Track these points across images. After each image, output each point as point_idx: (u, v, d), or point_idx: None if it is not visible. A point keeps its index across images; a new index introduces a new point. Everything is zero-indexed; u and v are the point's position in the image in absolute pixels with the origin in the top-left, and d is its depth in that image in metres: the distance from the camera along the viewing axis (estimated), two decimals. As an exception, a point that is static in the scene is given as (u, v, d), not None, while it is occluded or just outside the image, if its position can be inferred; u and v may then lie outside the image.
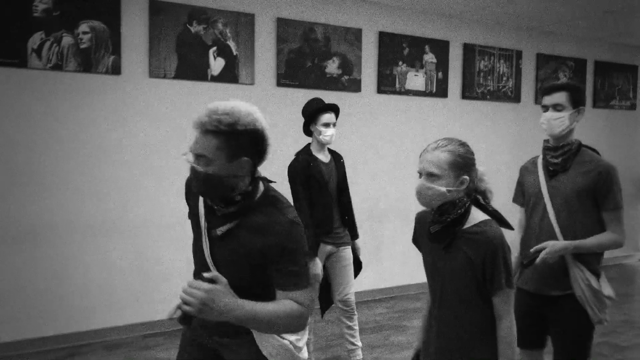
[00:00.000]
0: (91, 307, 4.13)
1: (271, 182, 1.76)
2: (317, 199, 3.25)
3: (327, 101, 5.10)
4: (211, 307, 1.46)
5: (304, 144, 5.02)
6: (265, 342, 1.68)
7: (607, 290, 2.41)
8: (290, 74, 4.87)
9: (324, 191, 3.26)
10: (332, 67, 5.07)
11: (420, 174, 1.91)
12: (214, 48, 4.51)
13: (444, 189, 1.82)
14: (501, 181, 6.21)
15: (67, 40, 3.97)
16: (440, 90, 5.70)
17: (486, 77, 6.01)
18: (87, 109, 4.09)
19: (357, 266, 3.51)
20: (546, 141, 2.53)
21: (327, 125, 3.28)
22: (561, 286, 2.38)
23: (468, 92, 5.89)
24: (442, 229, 1.87)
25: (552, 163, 2.46)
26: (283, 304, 1.58)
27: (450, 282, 1.87)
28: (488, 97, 6.04)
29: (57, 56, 3.95)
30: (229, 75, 4.58)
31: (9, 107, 3.85)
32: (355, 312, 3.45)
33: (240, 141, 1.59)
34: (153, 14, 4.23)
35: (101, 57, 4.09)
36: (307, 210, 3.21)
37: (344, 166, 3.47)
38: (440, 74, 5.69)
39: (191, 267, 1.82)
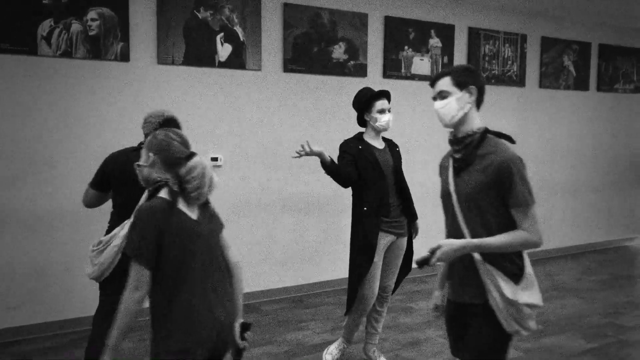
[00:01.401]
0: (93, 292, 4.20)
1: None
2: (372, 183, 3.23)
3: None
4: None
5: (313, 129, 5.05)
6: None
7: (527, 297, 2.03)
8: (297, 59, 4.88)
9: (378, 175, 3.23)
10: (339, 52, 5.08)
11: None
12: (221, 34, 4.53)
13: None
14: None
15: (76, 27, 3.99)
16: (446, 75, 5.71)
17: (491, 61, 6.02)
18: (97, 95, 4.12)
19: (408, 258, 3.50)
20: (450, 134, 2.20)
21: (382, 111, 3.25)
22: (478, 294, 2.05)
23: (473, 77, 5.90)
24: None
25: (455, 159, 2.15)
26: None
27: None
28: (493, 81, 6.06)
29: (67, 43, 3.97)
30: (237, 61, 4.60)
31: (20, 95, 3.88)
32: (389, 300, 3.51)
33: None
34: (161, 0, 4.24)
35: (110, 44, 4.11)
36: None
37: (400, 154, 3.43)
38: (445, 59, 5.70)
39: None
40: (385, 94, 3.31)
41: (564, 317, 4.52)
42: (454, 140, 2.13)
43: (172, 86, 4.38)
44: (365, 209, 3.25)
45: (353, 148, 3.25)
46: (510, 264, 2.05)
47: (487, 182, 2.03)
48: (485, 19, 5.96)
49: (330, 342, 3.90)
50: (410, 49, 5.48)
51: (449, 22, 5.71)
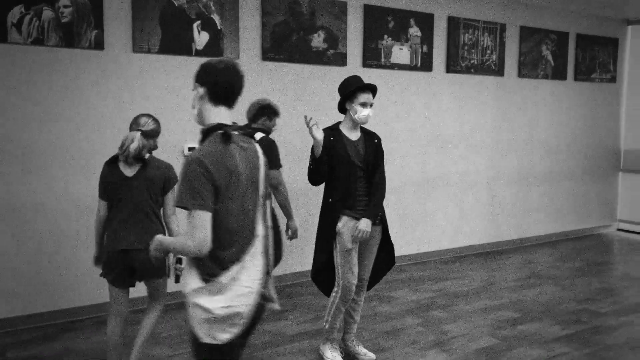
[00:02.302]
0: (82, 283, 4.15)
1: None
2: (339, 174, 3.25)
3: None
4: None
5: (293, 118, 5.01)
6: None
7: (203, 300, 1.88)
8: (276, 48, 4.83)
9: (344, 166, 3.24)
10: (318, 40, 5.05)
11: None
12: (198, 22, 4.45)
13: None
14: (484, 155, 6.32)
15: (47, 14, 3.89)
16: (425, 64, 5.72)
17: (470, 51, 6.03)
18: (70, 85, 4.03)
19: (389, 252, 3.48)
20: None
21: (364, 104, 3.24)
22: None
23: (452, 66, 5.91)
24: None
25: None
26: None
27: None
28: (472, 70, 6.08)
29: (38, 30, 3.87)
30: (214, 50, 4.54)
31: (-10, 83, 3.78)
32: (365, 289, 3.50)
33: None
34: (135, -14, 4.16)
35: (83, 31, 4.02)
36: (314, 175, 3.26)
37: (377, 146, 3.38)
38: (425, 48, 5.70)
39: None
40: (372, 88, 3.30)
41: (541, 304, 4.59)
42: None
43: (148, 75, 4.30)
44: (330, 200, 3.26)
45: (325, 139, 3.23)
46: (206, 267, 1.88)
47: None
48: (464, 8, 5.97)
49: (309, 332, 3.91)
50: (390, 38, 5.46)
51: (429, 11, 5.70)
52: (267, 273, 2.06)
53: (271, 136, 3.68)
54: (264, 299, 2.04)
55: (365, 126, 3.46)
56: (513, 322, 4.16)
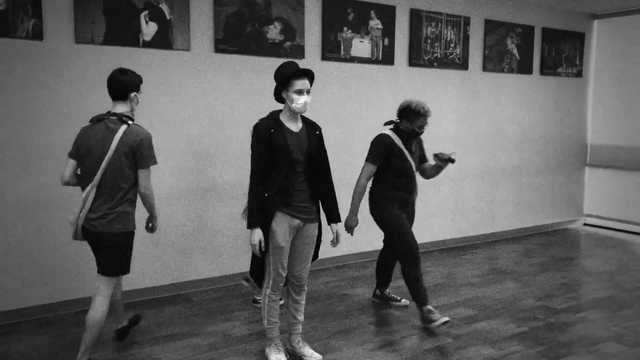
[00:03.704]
0: (23, 285, 3.97)
1: None
2: (280, 168, 3.10)
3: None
4: None
5: (247, 113, 4.88)
6: None
7: None
8: (229, 39, 4.69)
9: (285, 160, 3.09)
10: (274, 32, 4.91)
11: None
12: (146, 12, 4.29)
13: None
14: (449, 150, 6.23)
15: (-20, 1, 3.69)
16: (387, 57, 5.61)
17: (433, 44, 5.94)
18: (7, 77, 3.84)
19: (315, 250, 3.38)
20: None
21: (300, 92, 3.07)
22: None
23: (415, 59, 5.82)
24: None
25: None
26: None
27: None
28: (435, 64, 5.99)
29: (-30, 19, 3.67)
30: (163, 41, 4.38)
31: None
32: (305, 288, 3.38)
33: None
34: (76, -26, 3.98)
35: (20, 20, 3.83)
36: (255, 177, 3.10)
37: (319, 138, 3.25)
38: (386, 41, 5.59)
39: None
40: (307, 73, 3.15)
41: (499, 301, 4.52)
42: None
43: (91, 67, 4.13)
44: (266, 194, 3.11)
45: (265, 132, 3.09)
46: None
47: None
48: (427, 1, 5.87)
49: (258, 333, 3.79)
50: (350, 31, 5.34)
51: (390, 3, 5.59)
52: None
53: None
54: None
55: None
56: (468, 320, 4.08)
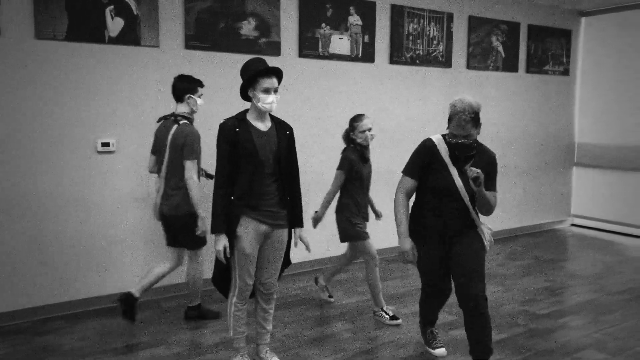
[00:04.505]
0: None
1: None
2: (244, 170, 2.93)
3: (241, 65, 4.79)
4: None
5: (220, 111, 4.71)
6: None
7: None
8: (201, 35, 4.51)
9: (252, 161, 2.92)
10: (248, 28, 4.74)
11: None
12: (111, 7, 4.11)
13: None
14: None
15: None
16: (367, 55, 5.46)
17: (415, 41, 5.79)
18: (-38, 73, 3.66)
19: (286, 258, 3.22)
20: None
21: (267, 91, 2.91)
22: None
23: (396, 57, 5.66)
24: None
25: None
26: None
27: None
28: (417, 61, 5.84)
29: None
30: (130, 37, 4.20)
31: None
32: (274, 296, 3.22)
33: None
34: (36, -34, 3.80)
35: (-25, 15, 3.64)
36: (219, 179, 2.92)
37: (289, 138, 3.08)
38: (366, 37, 5.43)
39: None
40: (274, 72, 2.99)
41: (480, 305, 4.37)
42: None
43: (53, 64, 3.95)
44: (232, 198, 2.94)
45: (230, 131, 2.92)
46: None
47: None
48: (409, -4, 5.72)
49: (227, 342, 3.62)
50: (328, 27, 5.18)
51: (370, -1, 5.43)
52: None
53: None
54: None
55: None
56: (447, 327, 3.94)
